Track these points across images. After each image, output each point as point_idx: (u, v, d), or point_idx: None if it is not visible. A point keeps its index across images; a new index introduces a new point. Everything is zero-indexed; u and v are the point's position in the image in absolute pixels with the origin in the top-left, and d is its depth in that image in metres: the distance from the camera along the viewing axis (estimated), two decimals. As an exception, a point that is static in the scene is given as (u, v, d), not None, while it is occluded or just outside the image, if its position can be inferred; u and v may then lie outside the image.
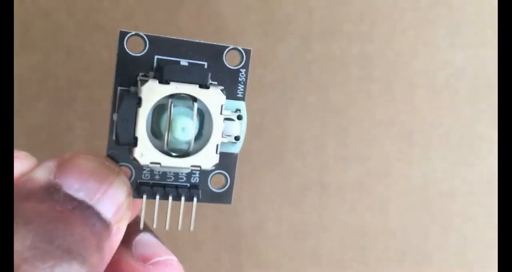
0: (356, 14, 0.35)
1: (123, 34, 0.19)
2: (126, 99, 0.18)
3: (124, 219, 0.19)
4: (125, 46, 0.19)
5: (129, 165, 0.20)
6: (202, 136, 0.19)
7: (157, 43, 0.19)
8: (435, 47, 0.36)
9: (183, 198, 0.20)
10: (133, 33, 0.19)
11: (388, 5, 0.34)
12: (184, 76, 0.18)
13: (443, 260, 0.42)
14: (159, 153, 0.18)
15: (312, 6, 0.35)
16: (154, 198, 0.20)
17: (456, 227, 0.41)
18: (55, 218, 0.17)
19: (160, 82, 0.18)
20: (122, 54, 0.19)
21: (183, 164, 0.19)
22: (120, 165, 0.20)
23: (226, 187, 0.21)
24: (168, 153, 0.19)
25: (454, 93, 0.37)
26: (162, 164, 0.18)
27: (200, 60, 0.19)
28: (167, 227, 0.20)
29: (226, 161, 0.21)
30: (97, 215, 0.18)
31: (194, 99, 0.18)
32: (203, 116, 0.19)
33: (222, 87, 0.19)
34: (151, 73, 0.19)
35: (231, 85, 0.20)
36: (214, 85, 0.19)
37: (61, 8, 0.34)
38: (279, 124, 0.37)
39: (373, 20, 0.35)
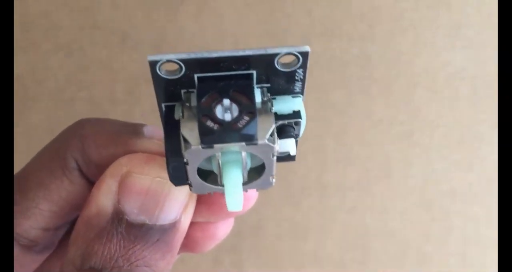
0: (356, 14, 0.35)
1: (153, 64, 0.17)
2: (172, 159, 0.17)
3: (187, 212, 0.20)
4: (159, 73, 0.17)
5: None
6: (256, 157, 0.18)
7: (193, 64, 0.17)
8: (435, 47, 0.36)
9: None
10: (164, 60, 0.16)
11: (388, 5, 0.34)
12: (227, 138, 0.16)
13: (443, 260, 0.42)
14: (212, 186, 0.19)
15: (312, 6, 0.35)
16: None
17: (456, 227, 0.41)
18: (121, 255, 0.19)
19: (203, 146, 0.17)
20: (157, 80, 0.17)
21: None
22: None
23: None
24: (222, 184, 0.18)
25: (454, 93, 0.37)
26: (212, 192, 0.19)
27: (248, 70, 0.17)
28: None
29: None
30: (159, 230, 0.19)
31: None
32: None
33: (271, 138, 0.17)
34: (194, 94, 0.18)
35: (287, 84, 0.18)
36: (261, 135, 0.17)
37: (61, 8, 0.34)
38: (279, 124, 0.37)
39: (373, 20, 0.35)
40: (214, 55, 0.17)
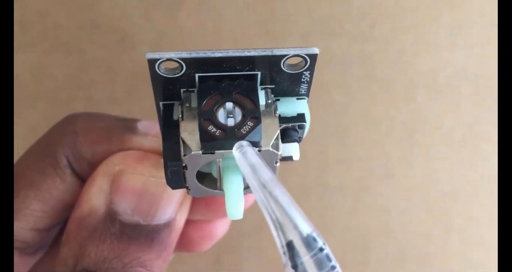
0: (357, 14, 0.35)
1: (152, 62, 0.16)
2: (170, 163, 0.16)
3: (183, 209, 0.20)
4: (158, 71, 0.16)
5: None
6: None
7: (194, 63, 0.16)
8: (437, 47, 0.36)
9: None
10: (164, 58, 0.15)
11: (389, 4, 0.34)
12: (230, 144, 0.16)
13: (444, 260, 0.42)
14: (211, 190, 0.18)
15: (312, 5, 0.35)
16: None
17: (457, 228, 0.41)
18: (114, 256, 0.18)
19: (204, 152, 0.16)
20: (156, 78, 0.16)
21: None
22: None
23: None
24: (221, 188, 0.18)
25: (455, 92, 0.37)
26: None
27: (252, 71, 0.16)
28: None
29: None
30: (153, 230, 0.19)
31: None
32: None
33: (275, 143, 0.16)
34: (195, 93, 0.17)
35: (292, 86, 0.17)
36: (265, 141, 0.16)
37: (60, 8, 0.34)
38: (279, 124, 0.37)
39: (374, 19, 0.35)
40: (218, 55, 0.16)
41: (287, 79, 0.17)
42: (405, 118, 0.38)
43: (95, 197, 0.19)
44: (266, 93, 0.17)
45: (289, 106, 0.18)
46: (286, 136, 0.17)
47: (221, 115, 0.16)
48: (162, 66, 0.16)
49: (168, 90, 0.17)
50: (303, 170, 0.39)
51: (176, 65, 0.16)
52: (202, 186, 0.18)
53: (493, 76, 0.36)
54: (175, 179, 0.17)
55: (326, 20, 0.35)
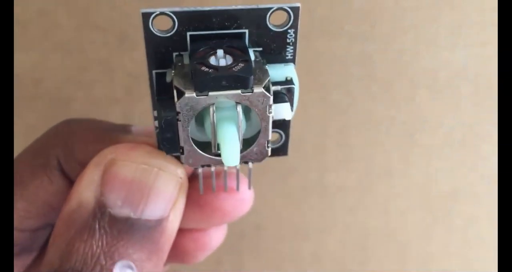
0: (357, 13, 0.35)
1: (146, 16, 0.17)
2: (164, 113, 0.16)
3: (176, 209, 0.19)
4: (152, 28, 0.17)
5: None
6: (251, 124, 0.18)
7: (186, 19, 0.17)
8: (437, 47, 0.36)
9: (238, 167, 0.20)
10: (158, 12, 0.16)
11: (389, 4, 0.34)
12: (223, 85, 0.16)
13: (444, 260, 0.42)
14: (207, 156, 0.18)
15: (312, 5, 0.35)
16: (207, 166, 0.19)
17: (457, 228, 0.41)
18: (103, 252, 0.17)
19: (198, 94, 0.16)
20: (149, 37, 0.17)
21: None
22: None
23: (282, 142, 0.21)
24: (216, 154, 0.18)
25: (455, 92, 0.37)
26: (212, 165, 0.18)
27: (239, 29, 0.17)
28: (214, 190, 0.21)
29: (278, 122, 0.20)
30: (145, 226, 0.18)
31: (237, 102, 0.17)
32: (249, 109, 0.17)
33: (266, 85, 0.16)
34: (186, 54, 0.17)
35: (279, 48, 0.18)
36: (257, 84, 0.16)
37: (60, 8, 0.34)
38: (279, 124, 0.37)
39: (374, 19, 0.35)
40: (207, 9, 0.17)
41: (273, 39, 0.18)
42: (405, 118, 0.38)
43: (85, 189, 0.18)
44: (255, 54, 0.18)
45: (277, 71, 0.18)
46: (276, 97, 0.17)
47: (212, 60, 0.16)
48: (155, 25, 0.17)
49: (161, 54, 0.17)
50: (303, 170, 0.39)
51: (168, 25, 0.17)
52: (197, 149, 0.17)
53: (493, 76, 0.36)
54: (169, 138, 0.17)
55: (326, 20, 0.35)
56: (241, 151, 0.18)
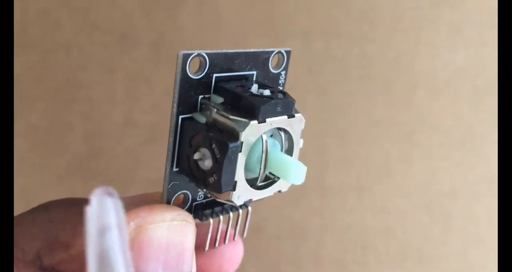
0: (356, 14, 0.35)
1: (185, 56, 0.17)
2: (230, 148, 0.17)
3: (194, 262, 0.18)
4: (187, 70, 0.17)
5: (187, 192, 0.19)
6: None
7: (215, 61, 0.18)
8: (436, 47, 0.36)
9: (240, 211, 0.20)
10: (196, 53, 0.17)
11: (388, 5, 0.34)
12: (277, 111, 0.17)
13: (444, 260, 0.42)
14: (252, 190, 0.18)
15: (312, 5, 0.35)
16: (207, 219, 0.19)
17: (456, 228, 0.41)
18: None
19: (260, 121, 0.17)
20: (184, 79, 0.17)
21: (269, 193, 0.19)
22: (179, 193, 0.19)
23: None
24: (258, 186, 0.18)
25: (455, 93, 0.37)
26: (254, 199, 0.18)
27: (250, 71, 0.19)
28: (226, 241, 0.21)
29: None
30: None
31: (280, 128, 0.18)
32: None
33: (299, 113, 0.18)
34: (215, 97, 0.18)
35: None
36: (297, 112, 0.18)
37: (61, 8, 0.34)
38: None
39: (373, 19, 0.35)
40: (231, 51, 0.18)
41: (270, 79, 0.20)
42: (405, 118, 0.38)
43: (117, 263, 0.15)
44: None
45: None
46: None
47: (254, 89, 0.18)
48: (189, 67, 0.17)
49: (189, 97, 0.18)
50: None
51: (199, 63, 0.18)
52: (246, 183, 0.18)
53: (493, 76, 0.36)
54: (229, 173, 0.17)
55: (326, 20, 0.35)
56: (275, 182, 0.19)
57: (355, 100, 0.37)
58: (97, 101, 0.36)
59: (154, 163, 0.37)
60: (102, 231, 0.12)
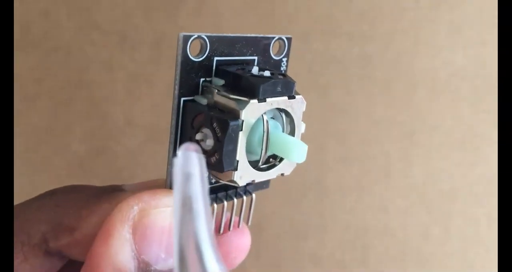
0: (356, 14, 0.35)
1: (186, 38, 0.17)
2: (230, 126, 0.17)
3: None
4: (188, 52, 0.18)
5: None
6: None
7: (216, 44, 0.18)
8: (436, 47, 0.36)
9: (244, 197, 0.20)
10: (196, 35, 0.18)
11: (388, 5, 0.34)
12: (277, 91, 0.18)
13: (443, 260, 0.42)
14: (254, 171, 0.18)
15: (312, 5, 0.35)
16: (211, 204, 0.19)
17: (456, 227, 0.41)
18: None
19: (260, 100, 0.17)
20: (185, 61, 0.18)
21: (272, 175, 0.19)
22: None
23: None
24: (260, 168, 0.18)
25: (454, 93, 0.37)
26: (256, 180, 0.18)
27: (251, 56, 0.19)
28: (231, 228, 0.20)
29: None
30: None
31: (281, 110, 0.18)
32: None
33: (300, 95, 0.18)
34: (216, 79, 0.18)
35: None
36: (298, 94, 0.18)
37: (61, 8, 0.34)
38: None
39: (373, 19, 0.35)
40: (232, 35, 0.19)
41: (272, 66, 0.20)
42: (405, 118, 0.38)
43: (118, 252, 0.15)
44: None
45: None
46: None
47: (255, 70, 0.18)
48: (191, 50, 0.18)
49: (191, 79, 0.18)
50: (303, 170, 0.39)
51: (200, 46, 0.18)
52: (248, 164, 0.18)
53: (493, 76, 0.36)
54: (230, 151, 0.17)
55: (326, 20, 0.35)
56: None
57: (355, 100, 0.37)
58: (97, 101, 0.36)
59: (154, 163, 0.37)
60: (187, 178, 0.14)
